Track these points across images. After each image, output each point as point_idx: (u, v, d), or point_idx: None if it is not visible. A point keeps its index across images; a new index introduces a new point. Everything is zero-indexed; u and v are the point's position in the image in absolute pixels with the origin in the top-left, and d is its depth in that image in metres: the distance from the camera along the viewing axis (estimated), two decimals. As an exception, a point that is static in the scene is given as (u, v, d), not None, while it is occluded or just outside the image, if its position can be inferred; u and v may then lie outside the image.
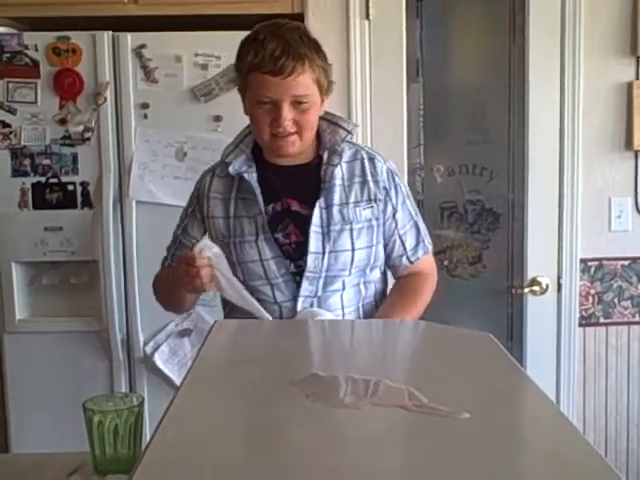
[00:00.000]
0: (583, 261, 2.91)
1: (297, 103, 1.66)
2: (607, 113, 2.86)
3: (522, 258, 2.93)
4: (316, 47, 1.70)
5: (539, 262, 2.90)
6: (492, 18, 2.94)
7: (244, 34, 2.54)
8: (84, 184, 2.65)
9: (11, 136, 2.62)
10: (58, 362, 2.67)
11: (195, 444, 0.79)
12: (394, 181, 1.82)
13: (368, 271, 1.80)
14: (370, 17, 2.78)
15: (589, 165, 2.87)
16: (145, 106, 2.61)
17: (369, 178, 1.78)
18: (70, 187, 2.65)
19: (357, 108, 2.79)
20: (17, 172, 2.64)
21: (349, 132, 1.78)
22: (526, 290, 2.91)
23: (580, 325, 2.94)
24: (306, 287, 1.74)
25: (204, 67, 2.60)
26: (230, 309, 1.85)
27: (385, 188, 1.79)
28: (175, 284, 1.76)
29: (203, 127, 2.61)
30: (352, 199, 1.76)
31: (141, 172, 2.63)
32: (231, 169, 1.78)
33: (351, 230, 1.74)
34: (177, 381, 2.64)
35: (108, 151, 2.63)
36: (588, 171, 2.88)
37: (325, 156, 1.77)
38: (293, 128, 1.69)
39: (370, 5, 2.77)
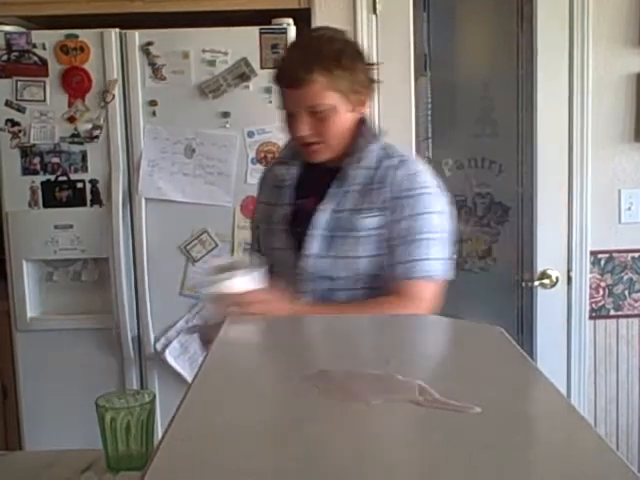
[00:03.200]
0: (593, 253, 2.91)
1: (314, 112, 1.68)
2: (616, 104, 2.85)
3: (532, 251, 2.92)
4: (340, 54, 1.69)
5: (549, 255, 2.89)
6: (499, 10, 2.93)
7: (251, 30, 2.57)
8: (93, 182, 2.66)
9: (20, 134, 2.63)
10: (70, 359, 2.69)
11: (208, 442, 0.79)
12: (411, 192, 1.71)
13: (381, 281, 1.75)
14: (377, 11, 2.78)
15: (598, 157, 2.86)
16: (153, 103, 2.62)
17: (387, 187, 1.72)
18: (79, 185, 2.66)
19: (365, 102, 2.79)
20: (27, 170, 2.65)
21: (374, 137, 1.77)
22: (536, 283, 2.91)
23: (590, 318, 2.93)
24: (306, 285, 1.74)
25: (211, 63, 2.60)
26: None
27: (397, 197, 1.71)
28: None
29: (211, 123, 2.61)
30: (364, 205, 1.72)
31: (150, 169, 2.64)
32: (277, 162, 1.89)
33: (356, 237, 1.71)
34: (188, 377, 2.65)
35: (117, 148, 2.64)
36: (597, 163, 2.87)
37: (348, 160, 1.75)
38: (314, 137, 1.70)
39: (377, -1, 2.77)
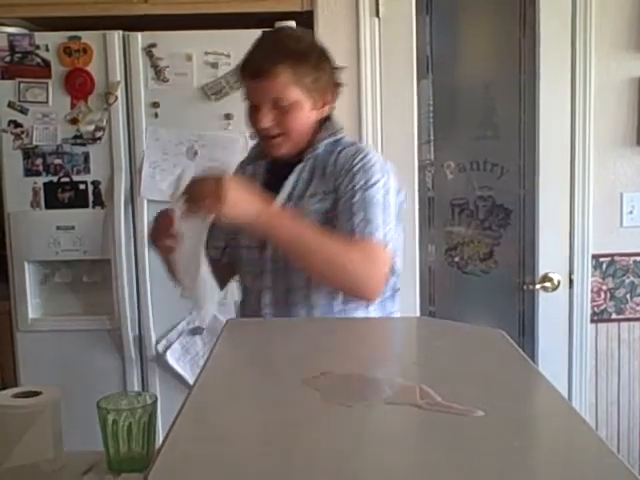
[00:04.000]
0: (595, 257, 2.90)
1: (278, 105, 1.70)
2: (618, 108, 2.85)
3: (533, 254, 2.92)
4: (307, 52, 1.73)
5: (551, 258, 2.89)
6: (502, 14, 2.93)
7: (254, 32, 2.55)
8: (95, 183, 2.66)
9: (23, 136, 2.63)
10: (71, 361, 2.69)
11: (209, 444, 0.79)
12: (354, 168, 1.71)
13: None
14: (380, 14, 2.78)
15: (600, 160, 2.86)
16: (156, 105, 2.62)
17: (333, 169, 1.74)
18: (82, 186, 2.67)
19: (367, 105, 2.79)
20: (29, 172, 2.65)
21: (333, 134, 1.79)
22: (538, 286, 2.91)
23: (592, 321, 2.93)
24: (268, 278, 1.77)
25: (214, 65, 2.60)
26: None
27: (341, 176, 1.72)
28: None
29: (214, 125, 2.62)
30: (313, 191, 1.74)
31: (152, 171, 2.64)
32: (245, 162, 1.90)
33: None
34: (189, 379, 2.65)
35: (119, 150, 2.64)
36: (599, 166, 2.87)
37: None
38: (276, 130, 1.72)
39: (380, 2, 2.77)
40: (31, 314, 2.71)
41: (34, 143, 2.64)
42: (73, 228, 2.67)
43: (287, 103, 1.70)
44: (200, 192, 1.54)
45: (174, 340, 2.70)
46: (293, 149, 1.76)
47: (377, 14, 2.78)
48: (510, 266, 2.97)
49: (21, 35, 2.62)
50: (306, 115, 1.74)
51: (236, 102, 2.58)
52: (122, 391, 2.49)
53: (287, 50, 1.70)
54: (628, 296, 2.93)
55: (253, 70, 1.71)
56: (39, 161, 2.65)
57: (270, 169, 1.84)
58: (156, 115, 2.63)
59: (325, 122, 1.79)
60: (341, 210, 1.70)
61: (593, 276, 2.92)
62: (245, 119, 1.79)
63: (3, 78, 2.61)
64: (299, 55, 1.71)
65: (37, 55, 2.60)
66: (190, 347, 2.70)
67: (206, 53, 2.60)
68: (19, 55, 2.60)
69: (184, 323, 2.69)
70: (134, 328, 2.69)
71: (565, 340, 2.93)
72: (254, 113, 1.73)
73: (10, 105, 2.62)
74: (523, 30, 2.88)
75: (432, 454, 0.80)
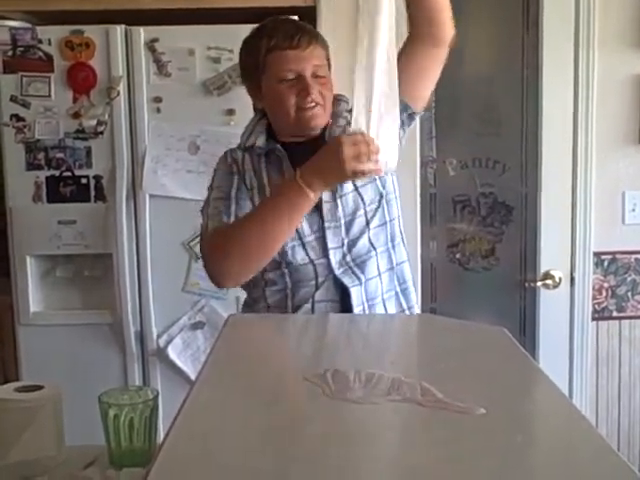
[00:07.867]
0: (596, 254, 2.90)
1: (316, 76, 1.74)
2: (621, 106, 2.84)
3: (535, 251, 2.92)
4: (320, 34, 1.84)
5: (552, 255, 2.89)
6: (505, 10, 2.93)
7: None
8: (97, 178, 2.66)
9: (25, 130, 2.63)
10: (72, 355, 2.69)
11: (211, 440, 0.79)
12: None
13: (385, 206, 1.83)
14: (383, 10, 2.77)
15: (603, 158, 2.86)
16: (158, 100, 2.62)
17: None
18: (84, 181, 2.67)
19: (370, 101, 2.79)
20: (31, 166, 2.65)
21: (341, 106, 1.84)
22: (539, 283, 2.91)
23: (593, 319, 2.93)
24: (332, 238, 1.78)
25: (217, 60, 2.60)
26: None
27: None
28: (291, 208, 1.65)
29: (216, 120, 2.61)
30: None
31: (154, 166, 2.64)
32: (259, 147, 1.82)
33: None
34: (190, 374, 2.65)
35: (121, 145, 2.64)
36: (602, 164, 2.86)
37: (330, 122, 1.81)
38: (319, 99, 1.75)
39: (383, -2, 2.76)
40: (32, 308, 2.71)
41: (36, 137, 2.64)
42: (75, 222, 2.67)
43: (324, 74, 1.76)
44: None
45: (175, 335, 2.70)
46: (325, 120, 1.78)
47: (380, 10, 2.77)
48: (511, 263, 2.97)
49: (23, 29, 2.62)
50: (332, 86, 1.80)
51: (239, 97, 2.58)
52: (123, 386, 2.49)
53: (310, 28, 1.81)
54: (629, 294, 2.93)
55: (294, 40, 1.73)
56: (41, 155, 2.65)
57: (291, 149, 1.80)
58: (158, 110, 2.62)
59: (336, 96, 1.85)
60: None
61: (594, 274, 2.92)
62: (270, 98, 1.77)
63: (5, 72, 2.61)
64: (319, 34, 1.81)
65: (39, 49, 2.60)
66: (191, 342, 2.70)
67: (208, 48, 2.60)
68: (21, 49, 2.60)
69: (185, 318, 2.70)
70: (135, 322, 2.69)
71: (566, 337, 2.93)
72: (292, 86, 1.73)
73: (12, 99, 2.62)
74: (526, 27, 2.88)
75: (433, 451, 0.80)
